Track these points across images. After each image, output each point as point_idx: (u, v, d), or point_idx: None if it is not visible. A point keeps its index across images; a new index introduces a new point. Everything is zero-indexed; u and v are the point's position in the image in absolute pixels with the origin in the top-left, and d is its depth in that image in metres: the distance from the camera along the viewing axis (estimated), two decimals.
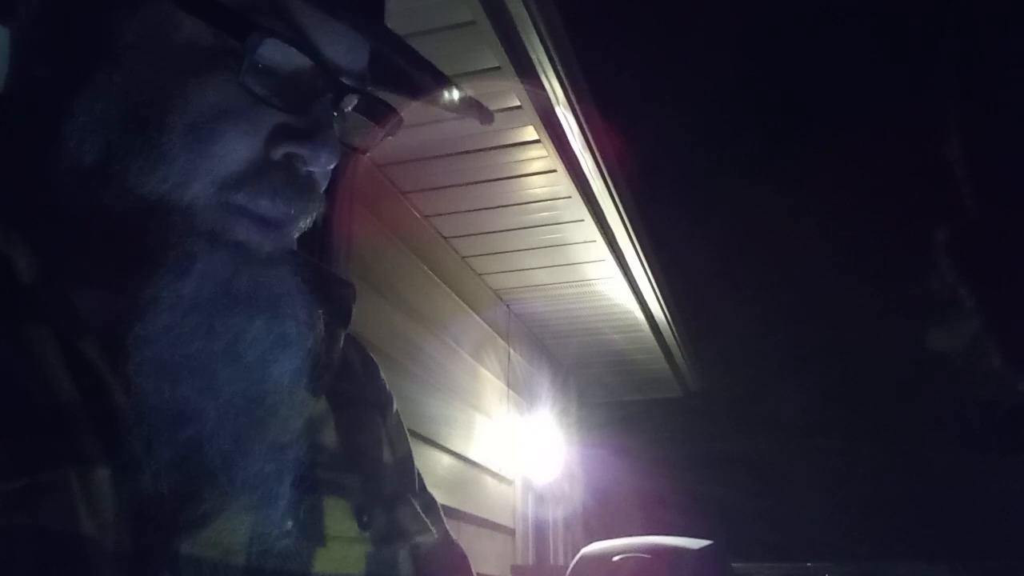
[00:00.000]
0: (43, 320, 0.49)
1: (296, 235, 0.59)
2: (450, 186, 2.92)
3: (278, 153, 0.54)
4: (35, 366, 0.47)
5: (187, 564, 0.50)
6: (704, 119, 6.13)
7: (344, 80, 0.57)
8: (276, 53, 0.53)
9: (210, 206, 0.52)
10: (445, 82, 0.64)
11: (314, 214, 0.59)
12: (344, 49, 0.56)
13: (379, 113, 0.62)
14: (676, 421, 6.38)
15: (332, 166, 0.57)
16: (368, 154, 0.65)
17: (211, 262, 0.52)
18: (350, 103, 0.59)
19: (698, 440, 6.79)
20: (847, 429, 6.86)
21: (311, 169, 0.56)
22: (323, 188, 0.60)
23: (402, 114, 0.62)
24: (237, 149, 0.53)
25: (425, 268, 3.14)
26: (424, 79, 0.63)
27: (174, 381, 0.50)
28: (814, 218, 6.21)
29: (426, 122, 2.51)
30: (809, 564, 5.92)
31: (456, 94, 0.65)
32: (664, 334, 4.29)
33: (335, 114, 0.58)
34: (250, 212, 0.54)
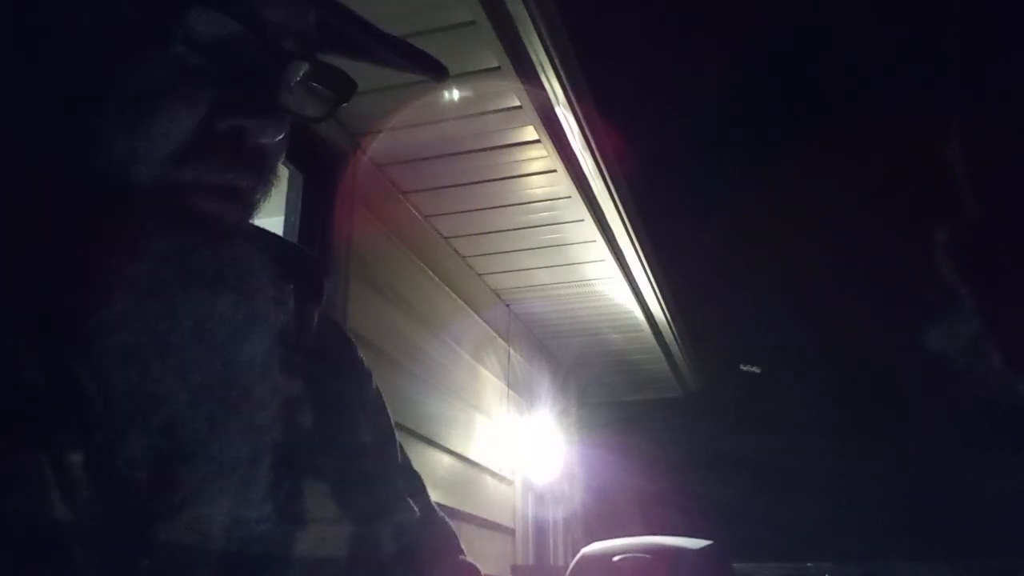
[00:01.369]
0: (4, 308, 0.49)
1: (256, 209, 0.58)
2: (450, 186, 2.91)
3: (222, 125, 0.52)
4: (1, 353, 0.47)
5: (164, 549, 0.49)
6: (705, 119, 6.13)
7: (286, 46, 0.55)
8: (210, 23, 0.51)
9: (160, 184, 0.51)
10: (394, 43, 0.62)
11: (270, 187, 0.57)
12: (283, 14, 0.54)
13: (331, 81, 0.60)
14: (676, 421, 6.37)
15: (280, 136, 0.55)
16: (322, 121, 0.63)
17: (170, 240, 0.50)
18: (298, 71, 0.57)
19: (698, 440, 6.79)
20: (847, 429, 6.86)
21: (259, 141, 0.54)
22: (278, 159, 0.58)
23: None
24: (178, 124, 0.51)
25: (425, 268, 3.14)
26: (373, 42, 0.62)
27: (142, 365, 0.49)
28: (814, 218, 6.21)
29: (426, 122, 2.51)
30: (809, 564, 5.92)
31: (408, 55, 0.64)
32: (664, 334, 4.29)
33: (282, 83, 0.56)
34: (201, 187, 0.52)
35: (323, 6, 0.57)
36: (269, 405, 0.56)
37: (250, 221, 0.58)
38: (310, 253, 0.72)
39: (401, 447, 0.75)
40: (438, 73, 0.65)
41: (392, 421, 0.75)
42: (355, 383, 0.72)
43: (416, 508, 0.69)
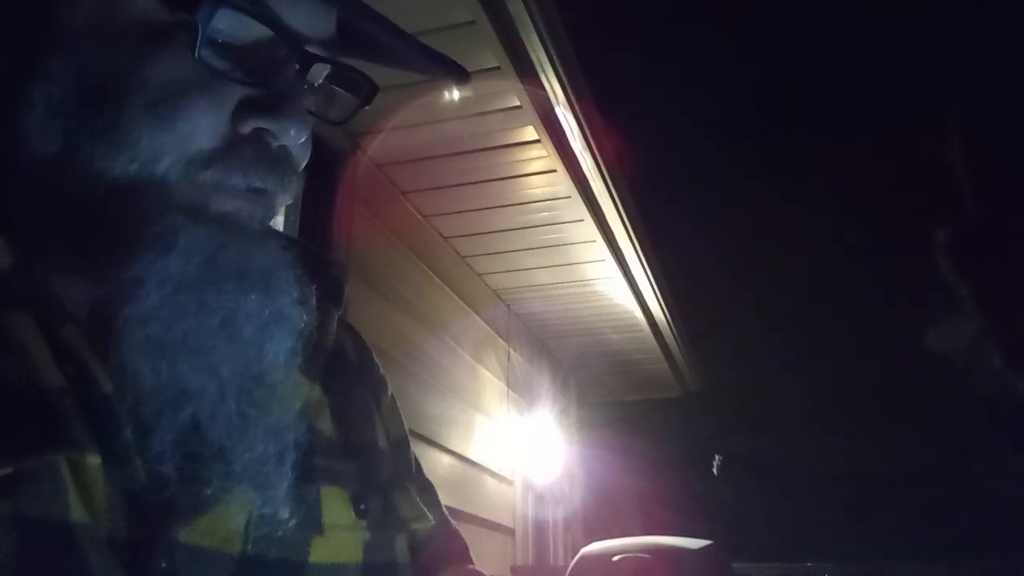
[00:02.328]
0: (24, 307, 0.49)
1: (277, 211, 0.58)
2: (450, 186, 2.91)
3: (245, 128, 0.52)
4: (18, 353, 0.47)
5: (183, 552, 0.49)
6: (705, 118, 6.13)
7: (309, 49, 0.55)
8: (232, 24, 0.51)
9: (184, 184, 0.51)
10: (417, 46, 0.62)
11: (293, 190, 0.57)
12: (306, 16, 0.54)
13: (354, 83, 0.60)
14: (676, 421, 6.37)
15: (303, 139, 0.55)
16: (341, 123, 0.63)
17: (196, 236, 0.50)
18: (320, 73, 0.58)
19: (698, 440, 6.79)
20: (847, 429, 6.86)
21: (282, 143, 0.54)
22: (301, 162, 0.58)
23: (379, 84, 0.60)
24: (202, 125, 0.51)
25: (425, 268, 3.14)
26: (396, 45, 0.62)
27: (171, 360, 0.49)
28: (815, 217, 6.21)
29: (426, 122, 2.51)
30: (809, 564, 5.92)
31: (431, 59, 0.63)
32: (664, 334, 4.29)
33: (305, 85, 0.56)
34: (225, 188, 0.52)
35: (348, 7, 0.57)
36: (292, 404, 0.56)
37: (270, 222, 0.58)
38: (330, 257, 0.72)
39: (414, 455, 0.75)
40: (460, 76, 0.65)
41: (406, 428, 0.75)
42: (371, 390, 0.72)
43: (431, 516, 0.69)
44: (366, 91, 0.60)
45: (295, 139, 0.54)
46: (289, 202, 0.59)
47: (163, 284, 0.49)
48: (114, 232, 0.51)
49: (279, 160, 0.55)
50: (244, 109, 0.52)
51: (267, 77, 0.53)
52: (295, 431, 0.55)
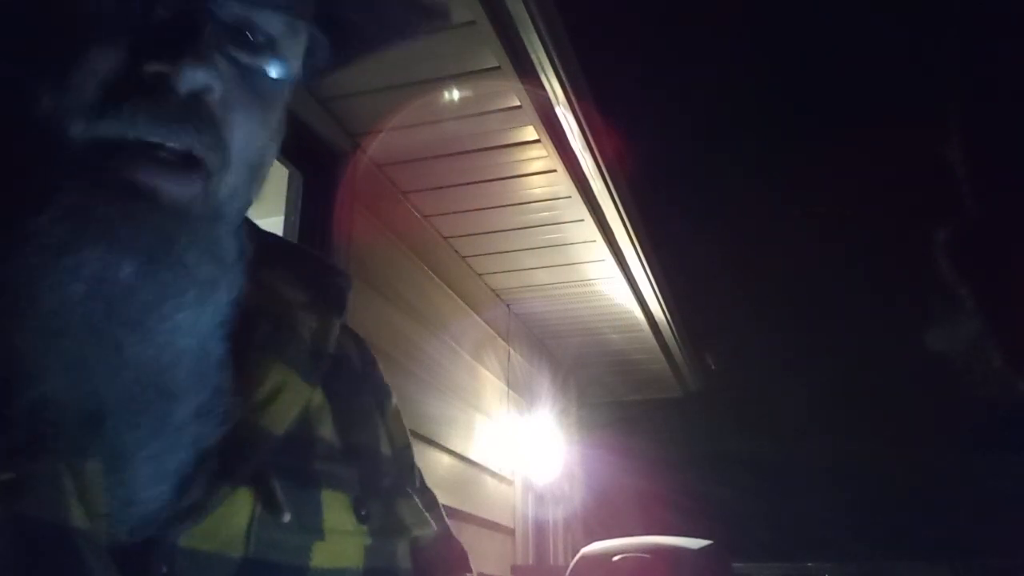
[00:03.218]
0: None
1: (215, 187, 0.51)
2: (450, 186, 2.91)
3: (147, 70, 0.47)
4: (15, 357, 0.46)
5: (183, 556, 0.49)
6: (705, 119, 6.13)
7: None
8: None
9: (93, 142, 0.47)
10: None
11: (219, 152, 0.51)
12: None
13: (312, 42, 0.57)
14: (676, 421, 6.37)
15: (216, 88, 0.49)
16: (306, 83, 0.59)
17: (78, 197, 0.45)
18: (248, 20, 0.53)
19: (698, 440, 6.79)
20: (847, 429, 6.86)
21: (189, 89, 0.48)
22: (229, 119, 0.51)
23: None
24: (99, 68, 0.47)
25: (425, 268, 3.14)
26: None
27: (78, 354, 0.45)
28: (815, 218, 6.21)
29: (426, 122, 2.51)
30: (809, 564, 5.92)
31: (406, 7, 0.62)
32: (664, 334, 4.29)
33: (215, 29, 0.50)
34: (134, 143, 0.47)
35: None
36: (198, 392, 0.51)
37: (213, 203, 0.52)
38: (334, 265, 0.71)
39: (418, 467, 0.75)
40: (440, 17, 0.63)
41: (408, 435, 0.74)
42: (376, 397, 0.71)
43: (433, 523, 0.69)
44: (320, 52, 0.58)
45: (200, 83, 0.48)
46: (228, 175, 0.52)
47: (45, 248, 0.45)
48: (24, 199, 0.46)
49: (189, 110, 0.48)
50: (143, 51, 0.48)
51: (167, 20, 0.49)
52: (205, 427, 0.51)
